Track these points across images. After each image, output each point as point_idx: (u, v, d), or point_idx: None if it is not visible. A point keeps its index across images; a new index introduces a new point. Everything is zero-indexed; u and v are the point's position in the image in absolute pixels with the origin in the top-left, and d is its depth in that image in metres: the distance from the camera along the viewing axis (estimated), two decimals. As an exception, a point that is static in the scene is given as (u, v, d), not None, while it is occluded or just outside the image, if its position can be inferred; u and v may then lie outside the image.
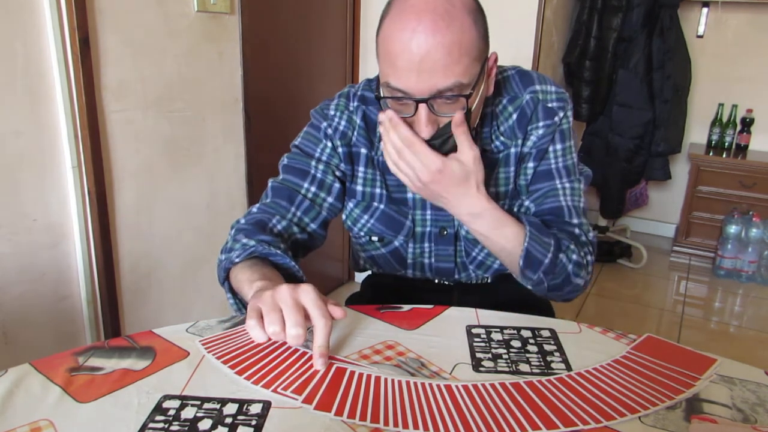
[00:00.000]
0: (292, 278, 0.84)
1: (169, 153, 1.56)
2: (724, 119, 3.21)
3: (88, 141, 1.32)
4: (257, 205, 0.94)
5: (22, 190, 1.25)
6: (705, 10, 3.15)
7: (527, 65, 2.45)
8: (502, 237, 0.83)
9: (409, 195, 0.95)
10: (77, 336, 1.42)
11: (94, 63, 1.32)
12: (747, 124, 3.16)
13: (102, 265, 1.41)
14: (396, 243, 0.98)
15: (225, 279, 0.86)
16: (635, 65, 2.85)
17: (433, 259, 0.99)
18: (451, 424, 0.59)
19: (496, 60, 0.85)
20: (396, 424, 0.59)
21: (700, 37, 3.19)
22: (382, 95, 0.81)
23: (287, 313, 0.68)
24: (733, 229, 2.93)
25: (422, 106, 0.77)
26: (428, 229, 0.97)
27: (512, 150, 0.92)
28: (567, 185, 0.91)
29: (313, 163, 0.94)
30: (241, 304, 0.84)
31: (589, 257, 0.88)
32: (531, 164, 0.92)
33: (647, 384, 0.67)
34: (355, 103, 0.94)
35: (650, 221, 3.55)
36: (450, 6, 0.74)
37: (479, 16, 0.79)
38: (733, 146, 3.22)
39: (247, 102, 1.79)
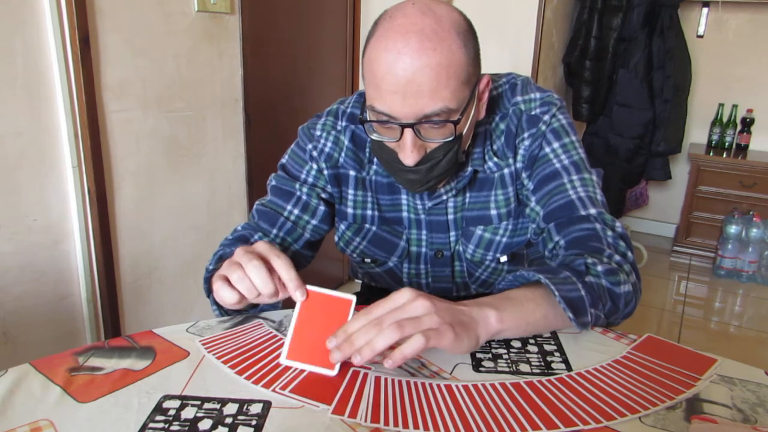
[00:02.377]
0: None
1: (169, 153, 1.56)
2: (725, 119, 3.21)
3: (88, 141, 1.32)
4: (243, 224, 0.95)
5: (22, 190, 1.25)
6: (705, 10, 3.15)
7: (527, 65, 2.45)
8: (535, 314, 0.72)
9: (404, 214, 0.93)
10: (77, 336, 1.42)
11: (94, 63, 1.32)
12: (747, 124, 3.16)
13: (102, 265, 1.41)
14: (390, 264, 0.97)
15: (209, 291, 0.86)
16: (635, 65, 2.85)
17: (430, 280, 0.98)
18: (451, 424, 0.59)
19: (488, 84, 0.82)
20: (396, 424, 0.59)
21: (701, 37, 3.19)
22: (367, 119, 0.78)
23: (249, 267, 0.68)
24: (733, 229, 2.93)
25: (408, 131, 0.74)
26: (423, 250, 0.95)
27: (506, 170, 0.89)
28: (575, 178, 0.85)
29: (298, 185, 0.93)
30: (224, 311, 0.84)
31: (617, 257, 0.79)
32: (524, 174, 0.88)
33: (647, 384, 0.67)
34: (344, 123, 0.91)
35: (650, 221, 3.55)
36: (438, 27, 0.71)
37: (470, 36, 0.75)
38: (734, 146, 3.22)
39: (247, 102, 1.79)
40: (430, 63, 0.70)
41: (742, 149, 3.17)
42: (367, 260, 0.98)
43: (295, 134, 0.98)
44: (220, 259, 0.87)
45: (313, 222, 0.93)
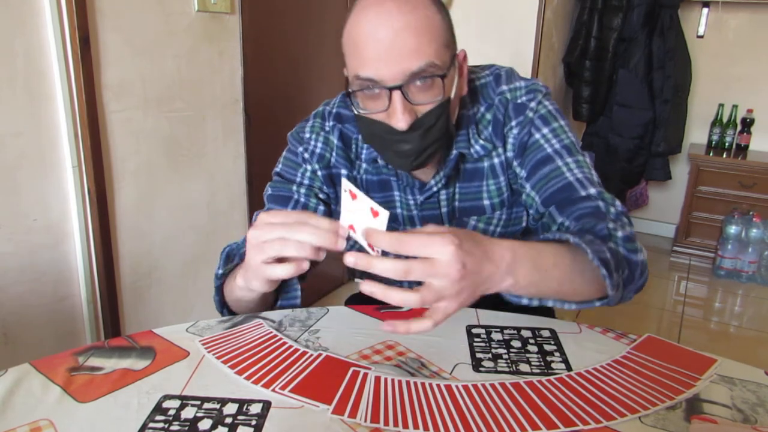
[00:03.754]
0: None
1: (169, 153, 1.56)
2: (725, 119, 3.21)
3: (88, 141, 1.32)
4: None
5: (22, 190, 1.25)
6: (705, 10, 3.15)
7: (527, 65, 2.45)
8: (548, 271, 0.67)
9: (398, 211, 0.93)
10: (77, 336, 1.42)
11: (94, 63, 1.32)
12: (747, 124, 3.16)
13: (102, 265, 1.41)
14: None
15: (222, 305, 0.87)
16: (635, 65, 2.85)
17: None
18: (451, 424, 0.59)
19: (465, 57, 0.83)
20: (396, 424, 0.59)
21: (701, 37, 3.19)
22: (351, 90, 0.77)
23: (288, 229, 0.66)
24: (733, 229, 2.93)
25: (396, 94, 0.73)
26: None
27: (496, 160, 0.89)
28: (570, 160, 0.84)
29: (295, 188, 0.92)
30: (231, 313, 0.85)
31: (629, 228, 0.77)
32: (516, 163, 0.88)
33: (647, 384, 0.67)
34: (331, 123, 0.92)
35: (650, 221, 3.55)
36: None
37: (442, 8, 0.77)
38: (734, 146, 3.22)
39: (247, 102, 1.79)
40: (411, 23, 0.71)
41: (742, 149, 3.17)
42: None
43: None
44: (228, 258, 0.86)
45: None
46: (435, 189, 0.89)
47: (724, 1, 3.04)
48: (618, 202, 0.82)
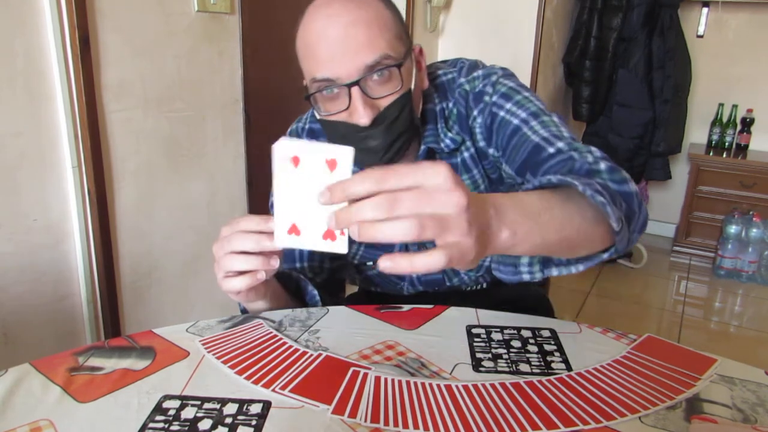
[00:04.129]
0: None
1: (169, 153, 1.56)
2: (725, 119, 3.21)
3: (88, 141, 1.32)
4: None
5: (22, 190, 1.25)
6: (705, 10, 3.15)
7: (527, 65, 2.45)
8: (551, 229, 0.56)
9: None
10: (77, 336, 1.42)
11: (94, 63, 1.32)
12: (747, 124, 3.16)
13: (102, 265, 1.41)
14: None
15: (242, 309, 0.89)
16: (635, 65, 2.85)
17: (420, 273, 0.97)
18: (451, 424, 0.59)
19: (422, 52, 0.82)
20: (396, 424, 0.59)
21: (700, 37, 3.19)
22: (310, 94, 0.77)
23: (231, 243, 0.69)
24: (733, 229, 2.93)
25: (354, 90, 0.73)
26: (410, 245, 0.95)
27: (466, 154, 0.88)
28: (535, 123, 0.79)
29: None
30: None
31: (608, 161, 0.71)
32: (491, 150, 0.85)
33: (647, 384, 0.67)
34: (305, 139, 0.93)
35: (650, 221, 3.54)
36: None
37: (391, 5, 0.78)
38: (734, 146, 3.22)
39: (247, 102, 1.79)
40: (360, 17, 0.72)
41: (742, 149, 3.17)
42: (370, 263, 0.98)
43: None
44: None
45: None
46: None
47: (724, 1, 3.04)
48: (594, 149, 0.74)
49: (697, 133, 3.32)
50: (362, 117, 0.74)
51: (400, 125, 0.77)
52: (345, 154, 0.49)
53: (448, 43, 2.57)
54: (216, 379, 0.67)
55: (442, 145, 0.87)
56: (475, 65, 0.89)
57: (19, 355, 1.26)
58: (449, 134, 0.86)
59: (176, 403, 0.62)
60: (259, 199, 1.90)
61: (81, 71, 1.28)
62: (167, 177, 1.57)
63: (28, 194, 1.26)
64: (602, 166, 0.68)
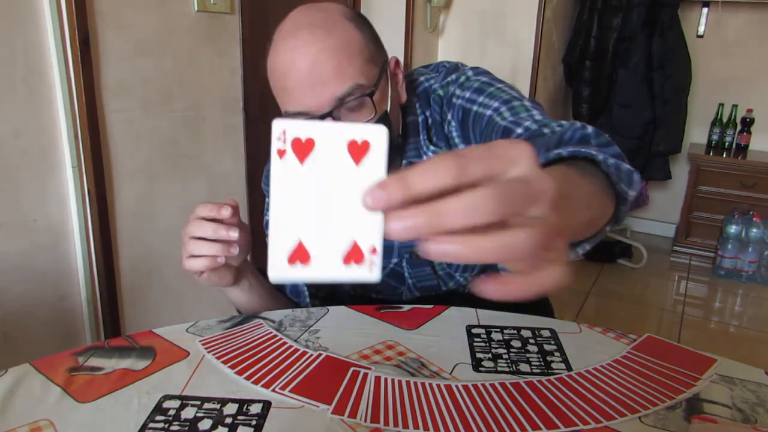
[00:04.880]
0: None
1: (169, 153, 1.56)
2: (725, 119, 3.21)
3: (88, 141, 1.32)
4: None
5: (22, 190, 1.25)
6: (705, 10, 3.15)
7: (527, 65, 2.45)
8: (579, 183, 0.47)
9: None
10: (77, 336, 1.42)
11: (94, 63, 1.32)
12: (747, 124, 3.15)
13: (102, 265, 1.41)
14: (391, 265, 0.97)
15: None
16: (635, 65, 2.85)
17: (415, 280, 0.97)
18: (451, 424, 0.59)
19: (398, 64, 0.80)
20: (396, 424, 0.59)
21: (700, 37, 3.19)
22: None
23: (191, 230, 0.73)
24: (733, 229, 2.93)
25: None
26: (402, 251, 0.94)
27: None
28: (503, 109, 0.77)
29: None
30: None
31: (587, 128, 0.65)
32: (463, 147, 0.84)
33: (647, 384, 0.67)
34: None
35: (650, 221, 3.55)
36: (325, 16, 0.72)
37: (362, 21, 0.75)
38: (734, 146, 3.22)
39: (247, 102, 1.79)
40: (327, 46, 0.70)
41: (742, 149, 3.17)
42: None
43: None
44: None
45: None
46: None
47: (724, 1, 3.04)
48: (567, 122, 0.70)
49: (697, 133, 3.32)
50: None
51: None
52: (378, 134, 0.33)
53: (448, 43, 2.57)
54: (216, 379, 0.67)
55: (425, 158, 0.85)
56: (454, 68, 0.87)
57: (19, 355, 1.26)
58: (431, 147, 0.85)
59: (176, 403, 0.62)
60: (259, 199, 1.90)
61: (81, 71, 1.28)
62: (167, 177, 1.57)
63: (28, 194, 1.26)
64: (589, 130, 0.64)
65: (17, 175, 1.23)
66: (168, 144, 1.55)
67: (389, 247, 0.95)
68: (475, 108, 0.81)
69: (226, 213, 0.73)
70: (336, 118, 0.72)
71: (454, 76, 0.85)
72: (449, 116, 0.84)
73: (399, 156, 0.85)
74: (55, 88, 1.26)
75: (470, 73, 0.85)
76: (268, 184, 0.95)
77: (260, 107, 1.87)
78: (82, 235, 1.36)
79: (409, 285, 0.98)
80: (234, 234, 0.73)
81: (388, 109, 0.77)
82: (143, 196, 1.52)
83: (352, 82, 0.71)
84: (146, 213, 1.54)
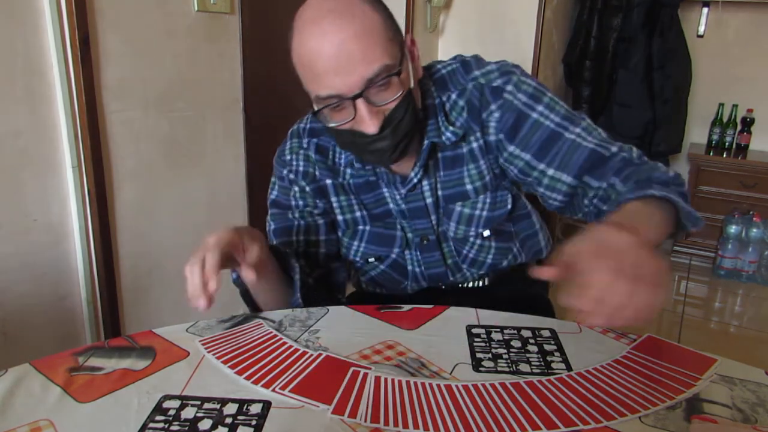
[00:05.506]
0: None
1: (169, 153, 1.56)
2: (725, 119, 3.21)
3: (88, 141, 1.32)
4: None
5: (22, 190, 1.25)
6: (705, 10, 3.14)
7: (527, 65, 2.45)
8: (656, 222, 0.71)
9: (391, 206, 0.94)
10: (77, 336, 1.42)
11: (94, 63, 1.32)
12: (747, 123, 3.15)
13: (102, 265, 1.41)
14: (393, 255, 0.98)
15: (253, 308, 0.90)
16: (635, 65, 2.85)
17: (423, 267, 0.98)
18: (451, 424, 0.59)
19: (413, 42, 0.84)
20: (396, 424, 0.59)
21: (701, 37, 3.19)
22: (318, 110, 0.79)
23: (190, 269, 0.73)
24: (733, 229, 2.93)
25: (359, 102, 0.75)
26: (411, 235, 0.96)
27: (474, 144, 0.89)
28: (578, 130, 0.85)
29: (290, 214, 0.95)
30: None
31: (659, 165, 0.83)
32: (512, 148, 0.87)
33: (647, 384, 0.67)
34: (306, 139, 0.94)
35: (650, 221, 3.55)
36: (345, 2, 0.74)
37: (376, 2, 0.78)
38: (734, 146, 3.22)
39: (247, 102, 1.79)
40: (353, 32, 0.72)
41: (742, 149, 3.17)
42: (371, 260, 0.98)
43: None
44: None
45: (321, 238, 0.95)
46: (415, 180, 0.90)
47: (724, 1, 3.04)
48: (634, 147, 0.86)
49: (697, 133, 3.32)
50: (369, 126, 0.76)
51: (405, 125, 0.79)
52: None
53: (448, 43, 2.57)
54: (216, 379, 0.67)
55: (443, 138, 0.88)
56: (480, 58, 0.92)
57: (19, 355, 1.26)
58: (450, 128, 0.88)
59: (176, 403, 0.62)
60: (260, 199, 1.90)
61: (81, 71, 1.28)
62: (167, 177, 1.57)
63: (28, 194, 1.26)
64: (671, 174, 0.79)
65: (17, 175, 1.23)
66: (168, 144, 1.55)
67: (391, 237, 0.96)
68: (534, 116, 0.85)
69: (209, 263, 0.73)
70: (366, 98, 0.75)
71: (495, 66, 0.88)
72: (493, 106, 0.86)
73: (420, 133, 0.87)
74: (55, 88, 1.26)
75: (516, 71, 0.88)
76: (279, 163, 0.97)
77: (260, 107, 1.87)
78: (82, 235, 1.36)
79: (416, 274, 0.98)
80: (197, 294, 0.70)
81: (411, 86, 0.80)
82: (143, 196, 1.52)
83: (380, 63, 0.74)
84: (146, 213, 1.54)
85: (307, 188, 0.94)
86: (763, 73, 3.11)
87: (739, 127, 3.19)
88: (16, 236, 1.25)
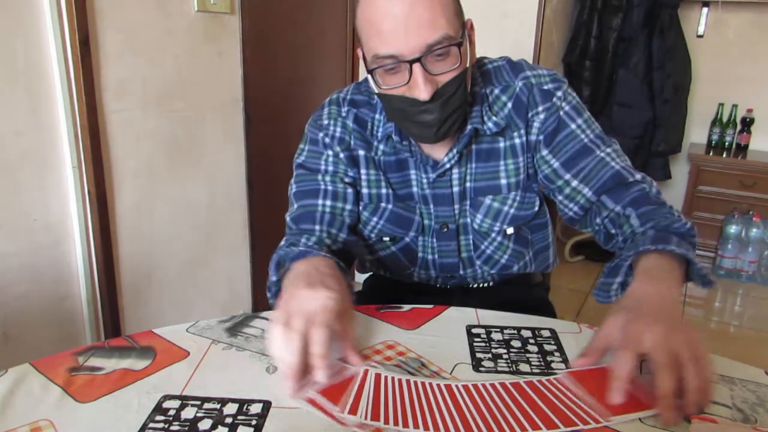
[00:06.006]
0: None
1: (169, 153, 1.56)
2: (724, 119, 3.21)
3: (88, 141, 1.32)
4: (284, 238, 0.91)
5: (22, 190, 1.25)
6: (705, 10, 3.14)
7: (527, 65, 2.44)
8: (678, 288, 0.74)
9: (414, 190, 0.95)
10: (77, 336, 1.42)
11: (94, 63, 1.32)
12: (747, 123, 3.15)
13: (102, 265, 1.41)
14: (407, 239, 0.98)
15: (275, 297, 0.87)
16: (635, 65, 2.85)
17: (436, 256, 0.98)
18: (451, 424, 0.59)
19: (472, 26, 0.86)
20: (396, 423, 0.59)
21: (700, 37, 3.19)
22: (372, 69, 0.80)
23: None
24: (733, 229, 2.93)
25: (416, 67, 0.76)
26: (431, 223, 0.97)
27: (517, 140, 0.91)
28: (609, 150, 0.90)
29: (320, 177, 0.94)
30: None
31: (673, 208, 0.86)
32: (545, 152, 0.90)
33: (647, 383, 0.67)
34: (346, 108, 0.95)
35: (650, 221, 3.55)
36: None
37: None
38: (734, 146, 3.21)
39: (247, 102, 1.79)
40: None
41: (742, 149, 3.17)
42: (385, 239, 0.98)
43: (295, 134, 0.98)
44: (278, 265, 0.82)
45: (348, 207, 0.94)
46: (448, 165, 0.91)
47: (724, 1, 3.04)
48: (652, 181, 0.89)
49: (697, 133, 3.32)
50: (422, 92, 0.77)
51: (456, 101, 0.81)
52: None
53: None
54: (216, 379, 0.67)
55: (485, 127, 0.89)
56: (528, 62, 0.95)
57: (19, 355, 1.26)
58: (493, 118, 0.90)
59: (176, 403, 0.62)
60: (260, 199, 1.90)
61: (81, 71, 1.28)
62: (167, 177, 1.57)
63: (28, 194, 1.26)
64: (688, 225, 0.81)
65: (17, 175, 1.23)
66: (168, 144, 1.55)
67: (409, 220, 0.96)
68: (573, 126, 0.90)
69: (318, 344, 0.63)
70: (424, 65, 0.76)
71: (545, 72, 0.92)
72: (540, 107, 0.89)
73: (464, 116, 0.87)
74: (55, 88, 1.26)
75: (565, 81, 0.92)
76: (315, 126, 0.95)
77: (260, 107, 1.87)
78: (82, 235, 1.36)
79: (427, 261, 0.99)
80: (293, 377, 0.63)
81: (468, 65, 0.81)
82: (143, 196, 1.52)
83: (443, 32, 0.75)
84: (146, 213, 1.54)
85: (341, 155, 0.94)
86: (763, 73, 3.11)
87: (738, 127, 3.19)
88: (16, 236, 1.25)
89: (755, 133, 3.17)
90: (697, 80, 3.12)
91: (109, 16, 1.34)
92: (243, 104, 1.78)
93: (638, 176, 0.88)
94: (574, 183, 0.90)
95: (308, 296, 0.67)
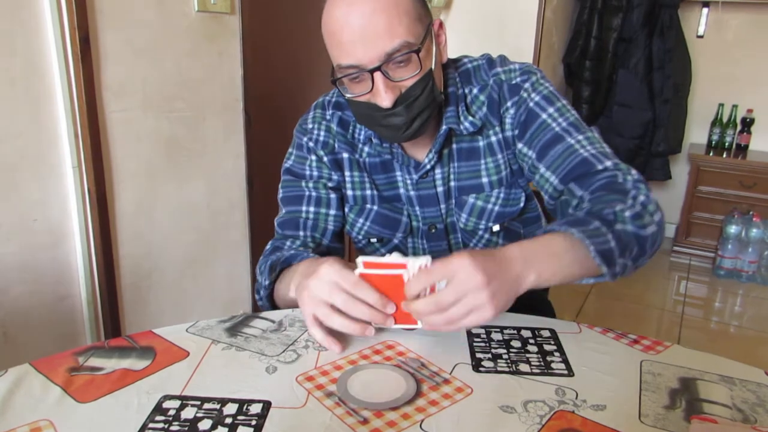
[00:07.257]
0: None
1: (169, 153, 1.56)
2: (725, 119, 3.21)
3: (88, 141, 1.32)
4: (269, 242, 0.97)
5: (22, 190, 1.25)
6: (705, 10, 3.14)
7: (527, 65, 2.44)
8: (563, 262, 0.72)
9: (401, 191, 0.96)
10: (77, 336, 1.42)
11: (94, 63, 1.32)
12: (747, 124, 3.15)
13: (102, 265, 1.41)
14: (395, 241, 0.99)
15: (272, 304, 0.91)
16: (635, 65, 2.85)
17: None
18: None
19: (441, 26, 0.86)
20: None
21: (700, 37, 3.19)
22: (336, 78, 0.82)
23: (358, 291, 0.71)
24: (733, 229, 2.93)
25: (377, 75, 0.77)
26: (419, 225, 0.97)
27: (493, 138, 0.91)
28: (581, 138, 0.86)
29: (304, 183, 0.96)
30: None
31: (642, 197, 0.78)
32: (521, 145, 0.90)
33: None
34: (330, 111, 0.96)
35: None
36: None
37: None
38: (734, 146, 3.22)
39: (247, 102, 1.79)
40: (380, 5, 0.75)
41: (742, 149, 3.17)
42: (373, 240, 0.99)
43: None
44: (271, 269, 0.88)
45: (332, 212, 0.96)
46: (429, 166, 0.91)
47: (724, 1, 3.04)
48: (634, 170, 0.84)
49: (697, 133, 3.32)
50: (384, 100, 0.78)
51: (420, 104, 0.81)
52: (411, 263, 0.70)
53: (448, 42, 2.57)
54: (216, 379, 0.67)
55: (461, 127, 0.90)
56: (505, 58, 0.94)
57: (19, 355, 1.26)
58: (469, 118, 0.90)
59: (176, 403, 0.62)
60: (260, 199, 1.90)
61: (81, 71, 1.28)
62: (167, 177, 1.57)
63: (28, 194, 1.26)
64: (627, 213, 0.75)
65: (17, 175, 1.23)
66: (168, 144, 1.55)
67: (396, 221, 0.97)
68: (544, 116, 0.88)
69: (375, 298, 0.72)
70: (384, 73, 0.77)
71: (518, 66, 0.91)
72: (509, 103, 0.89)
73: (439, 115, 0.89)
74: (55, 88, 1.26)
75: (538, 73, 0.91)
76: (300, 131, 0.97)
77: (260, 107, 1.87)
78: (82, 235, 1.36)
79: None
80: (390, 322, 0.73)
81: (432, 67, 0.82)
82: (143, 196, 1.52)
83: (401, 40, 0.76)
84: (146, 213, 1.54)
85: (325, 158, 0.95)
86: (763, 73, 3.11)
87: (738, 128, 3.19)
88: (16, 236, 1.25)
89: (755, 134, 3.17)
90: (697, 80, 3.12)
91: (110, 16, 1.34)
92: (243, 104, 1.78)
93: (609, 163, 0.84)
94: (542, 170, 0.88)
95: (313, 279, 0.72)
